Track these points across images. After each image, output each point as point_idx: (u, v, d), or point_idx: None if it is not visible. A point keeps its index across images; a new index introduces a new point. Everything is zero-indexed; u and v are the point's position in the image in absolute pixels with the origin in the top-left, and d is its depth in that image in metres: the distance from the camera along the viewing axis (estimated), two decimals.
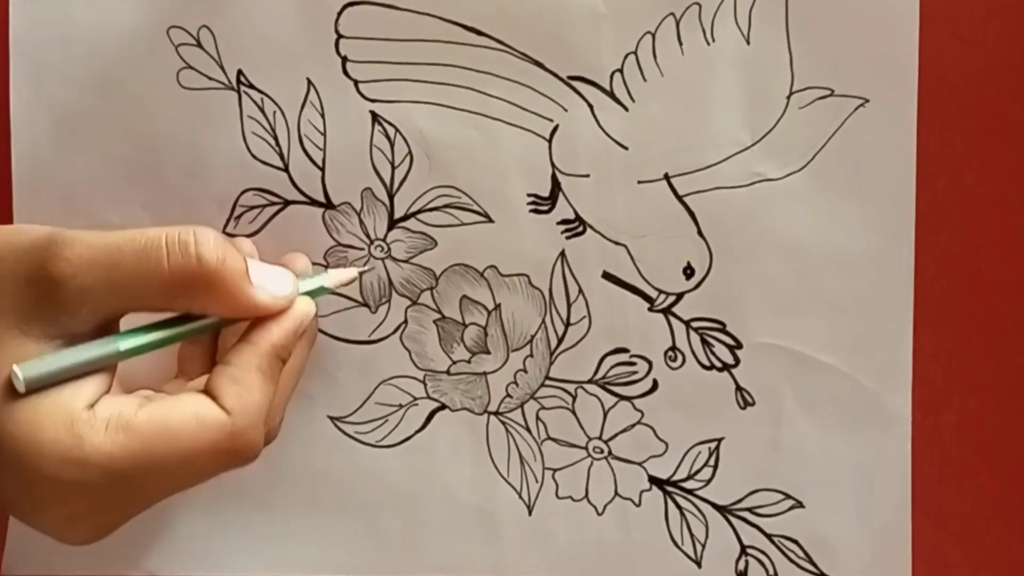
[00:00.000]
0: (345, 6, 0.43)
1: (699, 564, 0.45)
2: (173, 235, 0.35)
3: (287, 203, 0.44)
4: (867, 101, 0.43)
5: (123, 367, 0.37)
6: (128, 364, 0.37)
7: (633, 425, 0.45)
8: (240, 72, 0.43)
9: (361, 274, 0.44)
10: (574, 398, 0.45)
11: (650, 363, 0.44)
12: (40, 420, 0.34)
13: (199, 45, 0.43)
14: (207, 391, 0.37)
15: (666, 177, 0.43)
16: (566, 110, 0.43)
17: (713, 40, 0.43)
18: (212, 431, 0.35)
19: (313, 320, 0.40)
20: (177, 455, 0.35)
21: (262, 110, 0.43)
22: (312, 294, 0.40)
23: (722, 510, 0.45)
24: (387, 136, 0.43)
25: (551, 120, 0.43)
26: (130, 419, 0.35)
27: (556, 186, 0.44)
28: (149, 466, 0.35)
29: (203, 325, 0.37)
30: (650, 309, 0.44)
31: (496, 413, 0.45)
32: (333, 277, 0.41)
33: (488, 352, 0.44)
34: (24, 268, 0.35)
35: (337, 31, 0.43)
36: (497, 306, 0.44)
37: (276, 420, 0.40)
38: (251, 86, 0.43)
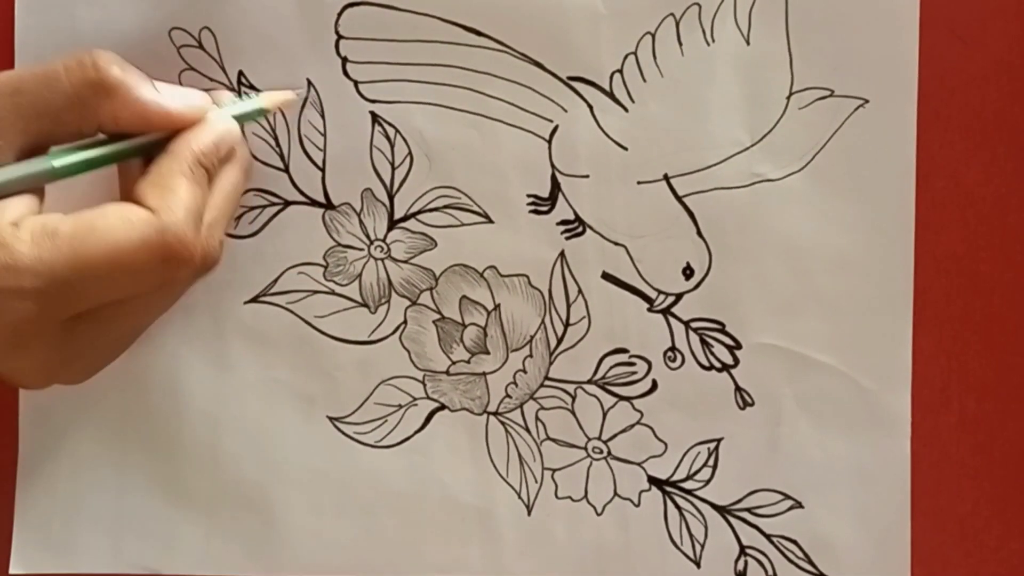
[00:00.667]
0: (345, 7, 0.43)
1: (698, 564, 0.45)
2: (69, 56, 0.37)
3: (287, 203, 0.44)
4: (867, 102, 0.43)
5: (60, 203, 0.38)
6: (65, 199, 0.38)
7: (632, 425, 0.45)
8: (241, 73, 0.43)
9: (300, 97, 0.43)
10: (573, 398, 0.45)
11: (649, 363, 0.44)
12: None
13: (200, 47, 0.43)
14: (131, 199, 0.37)
15: (665, 178, 0.43)
16: (566, 111, 0.43)
17: (713, 41, 0.43)
18: (139, 226, 0.36)
19: (244, 146, 0.41)
20: (108, 254, 0.35)
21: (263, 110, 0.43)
22: (245, 118, 0.41)
23: (721, 510, 0.45)
24: (387, 137, 0.44)
25: (551, 121, 0.43)
26: (55, 227, 0.35)
27: (556, 187, 0.44)
28: (82, 267, 0.35)
29: (135, 144, 0.38)
30: (649, 309, 0.44)
31: (495, 413, 0.45)
32: (266, 98, 0.42)
33: (487, 352, 0.45)
34: None
35: (337, 32, 0.43)
36: (496, 306, 0.44)
37: (214, 240, 0.39)
38: (252, 87, 0.43)
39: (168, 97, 0.39)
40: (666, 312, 0.44)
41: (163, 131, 0.39)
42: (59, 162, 0.37)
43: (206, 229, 0.38)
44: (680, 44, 0.43)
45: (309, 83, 0.43)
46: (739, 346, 0.44)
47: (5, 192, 0.36)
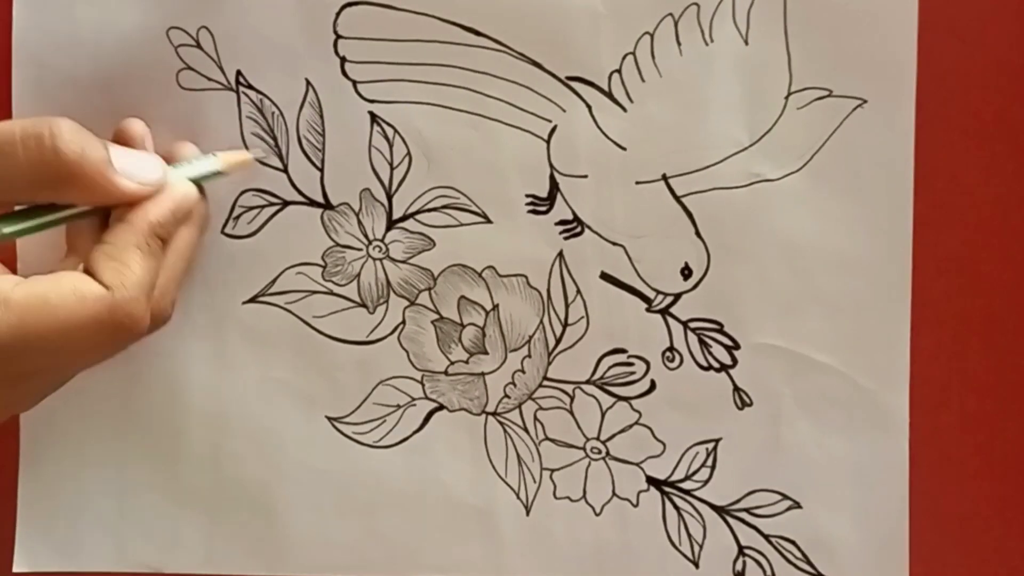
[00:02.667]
0: (344, 7, 0.43)
1: (696, 564, 0.45)
2: (28, 129, 0.36)
3: (286, 203, 0.44)
4: (865, 101, 0.43)
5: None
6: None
7: (631, 426, 0.45)
8: (239, 73, 0.43)
9: (258, 160, 0.43)
10: (572, 398, 0.45)
11: (648, 363, 0.44)
12: None
13: (198, 46, 0.43)
14: (86, 271, 0.37)
15: (664, 178, 0.43)
16: (564, 111, 0.43)
17: (711, 40, 0.43)
18: (91, 304, 0.36)
19: (202, 205, 0.41)
20: (56, 328, 0.35)
21: (261, 111, 0.43)
22: (202, 180, 0.41)
23: (720, 511, 0.45)
24: (386, 137, 0.44)
25: (549, 121, 0.43)
26: (7, 295, 0.35)
27: (554, 187, 0.44)
28: (29, 339, 0.35)
29: (85, 211, 0.38)
30: (648, 309, 0.44)
31: (494, 413, 0.45)
32: (224, 159, 0.41)
33: (486, 352, 0.44)
34: None
35: (336, 32, 0.43)
36: (495, 306, 0.44)
37: (165, 301, 0.40)
38: (250, 87, 0.43)
39: (125, 179, 0.38)
40: (664, 312, 0.44)
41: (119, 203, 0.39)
42: (10, 228, 0.37)
43: (158, 293, 0.38)
44: (679, 44, 0.43)
45: (308, 82, 0.43)
46: (737, 346, 0.44)
47: None
